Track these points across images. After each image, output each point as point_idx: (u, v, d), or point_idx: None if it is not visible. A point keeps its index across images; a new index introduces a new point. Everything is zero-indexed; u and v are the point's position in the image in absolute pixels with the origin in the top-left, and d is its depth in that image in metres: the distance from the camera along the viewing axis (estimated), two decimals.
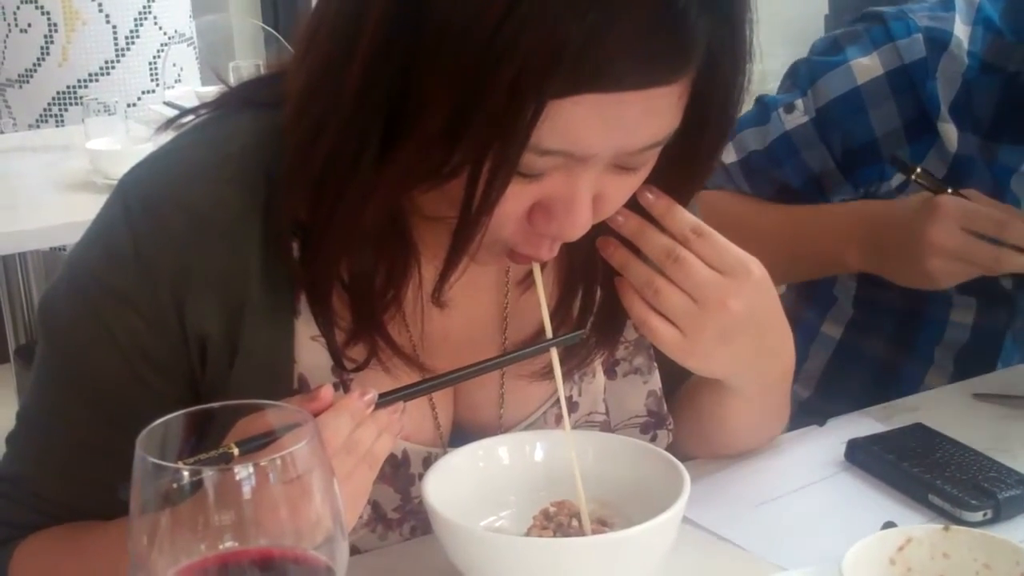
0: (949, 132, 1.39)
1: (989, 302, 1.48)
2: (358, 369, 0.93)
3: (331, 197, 0.84)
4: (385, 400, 0.83)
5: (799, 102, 1.44)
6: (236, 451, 0.65)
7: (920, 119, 1.39)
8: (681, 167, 0.90)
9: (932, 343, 1.52)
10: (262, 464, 0.59)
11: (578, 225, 0.84)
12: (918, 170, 1.32)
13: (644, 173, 0.87)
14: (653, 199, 0.93)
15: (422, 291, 0.95)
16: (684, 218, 0.94)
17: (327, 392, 0.81)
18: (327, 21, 0.83)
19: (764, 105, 1.47)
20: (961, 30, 1.39)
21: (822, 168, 1.45)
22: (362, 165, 0.81)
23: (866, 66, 1.40)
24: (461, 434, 1.02)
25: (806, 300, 1.60)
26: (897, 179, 1.42)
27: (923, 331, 1.52)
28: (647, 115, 0.80)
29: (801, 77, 1.45)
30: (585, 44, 0.74)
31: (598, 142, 0.79)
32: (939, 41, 1.38)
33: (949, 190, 1.31)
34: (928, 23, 1.40)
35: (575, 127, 0.77)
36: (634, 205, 0.93)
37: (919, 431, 1.16)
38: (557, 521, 0.94)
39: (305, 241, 0.89)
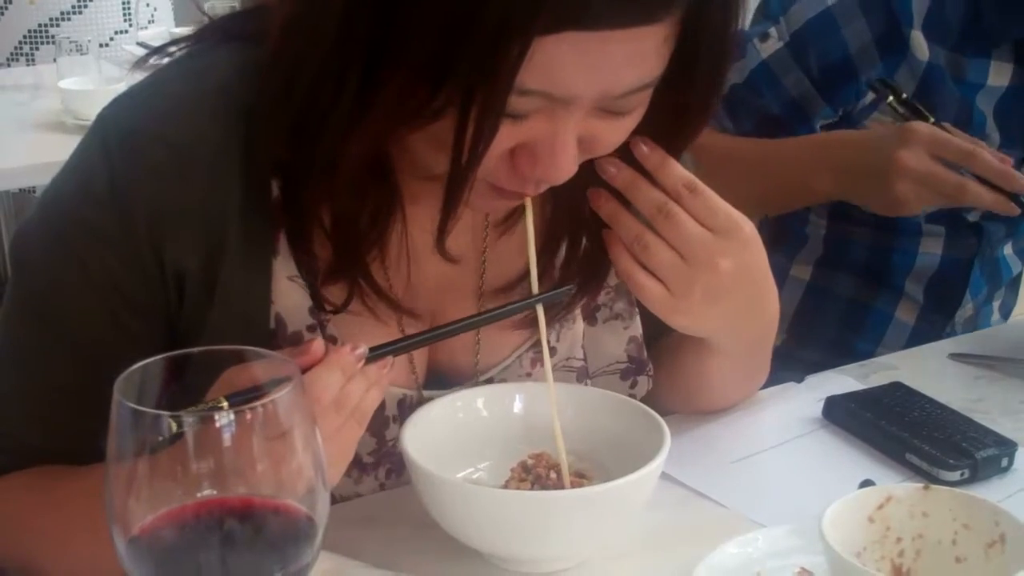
0: (920, 41, 1.41)
1: (957, 231, 1.52)
2: (336, 311, 0.92)
3: (311, 136, 0.82)
4: (375, 354, 0.82)
5: (773, 30, 1.46)
6: (226, 404, 0.64)
7: (891, 32, 1.41)
8: (671, 119, 0.89)
9: (903, 274, 1.55)
10: (243, 413, 0.58)
11: (562, 169, 0.83)
12: (903, 95, 1.35)
13: (636, 118, 0.86)
14: (647, 152, 0.92)
15: (406, 235, 0.93)
16: (677, 173, 0.93)
17: (318, 346, 0.80)
18: None
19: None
20: None
21: (801, 92, 1.47)
22: (342, 103, 0.80)
23: None
24: (436, 376, 1.02)
25: (776, 241, 1.62)
26: (871, 96, 1.44)
27: (893, 262, 1.55)
28: (631, 57, 0.78)
29: (772, 7, 1.47)
30: None
31: (580, 84, 0.78)
32: None
33: (932, 120, 1.33)
34: None
35: (557, 68, 0.76)
36: (627, 157, 0.92)
37: (897, 389, 1.17)
38: (535, 473, 0.94)
39: (286, 180, 0.87)
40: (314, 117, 0.81)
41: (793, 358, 1.23)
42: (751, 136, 1.51)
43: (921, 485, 0.86)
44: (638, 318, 1.07)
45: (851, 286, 1.57)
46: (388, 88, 0.78)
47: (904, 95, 1.35)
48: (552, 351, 1.04)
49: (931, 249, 1.53)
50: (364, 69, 0.78)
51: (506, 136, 0.80)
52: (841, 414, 1.13)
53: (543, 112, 0.80)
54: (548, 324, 1.01)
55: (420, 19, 0.75)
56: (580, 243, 1.00)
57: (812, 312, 1.60)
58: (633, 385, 1.07)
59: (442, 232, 0.87)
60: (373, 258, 0.92)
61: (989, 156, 1.28)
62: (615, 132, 0.86)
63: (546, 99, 0.78)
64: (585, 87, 0.78)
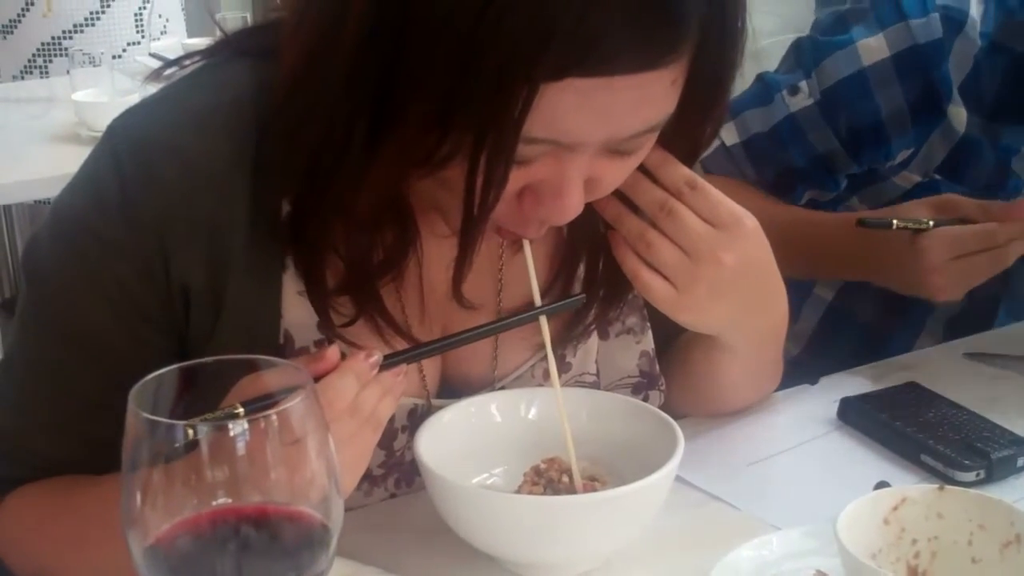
0: (959, 114, 1.36)
1: None
2: (344, 327, 0.92)
3: (323, 179, 0.83)
4: (389, 362, 0.83)
5: (803, 84, 1.40)
6: (242, 411, 0.64)
7: (927, 100, 1.37)
8: (669, 141, 0.89)
9: (925, 311, 1.51)
10: (257, 421, 0.58)
11: (567, 210, 0.83)
12: (894, 223, 1.27)
13: (641, 156, 0.86)
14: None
15: (421, 264, 0.94)
16: (678, 171, 0.93)
17: (333, 353, 0.81)
18: (314, 2, 0.82)
19: (766, 85, 1.44)
20: (975, 8, 1.36)
21: (828, 149, 1.42)
22: (351, 151, 0.80)
23: (873, 47, 1.36)
24: (448, 386, 1.02)
25: None
26: (901, 156, 1.40)
27: (916, 298, 1.48)
28: (638, 102, 0.78)
29: (805, 57, 1.42)
30: (574, 24, 0.72)
31: (587, 130, 0.78)
32: (956, 22, 1.35)
33: (931, 223, 1.27)
34: (944, 0, 1.35)
35: (563, 115, 0.76)
36: None
37: (912, 390, 1.16)
38: (547, 477, 0.94)
39: (298, 213, 0.88)
40: (323, 166, 0.82)
41: (811, 369, 1.21)
42: (771, 185, 1.46)
43: (936, 486, 0.86)
44: (650, 333, 1.07)
45: (872, 312, 1.54)
46: (396, 135, 0.79)
47: (894, 223, 1.27)
48: (567, 366, 1.04)
49: None
50: (372, 116, 0.79)
51: (513, 180, 0.80)
52: (856, 415, 1.13)
53: (550, 155, 0.80)
54: (567, 342, 1.02)
55: (424, 67, 0.76)
56: (599, 260, 1.00)
57: (832, 332, 1.57)
58: (645, 400, 1.07)
59: (458, 282, 0.89)
60: (386, 283, 0.92)
61: (1003, 227, 1.25)
62: (620, 171, 0.86)
63: (553, 145, 0.79)
64: (591, 133, 0.79)
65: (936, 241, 1.26)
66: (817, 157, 1.43)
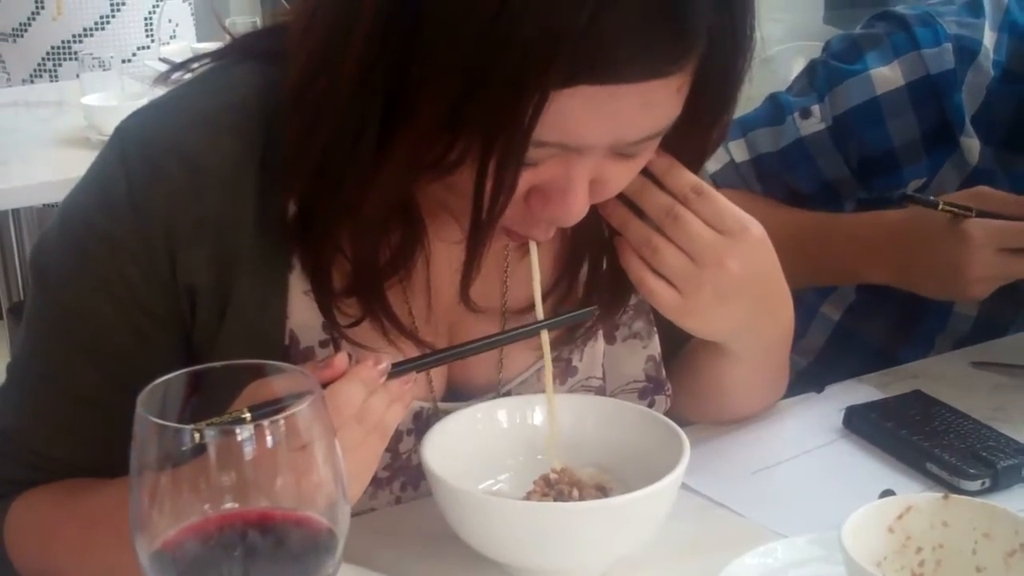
0: (972, 146, 1.35)
1: (997, 296, 1.41)
2: (349, 327, 0.93)
3: (331, 185, 0.84)
4: (397, 370, 0.83)
5: (816, 108, 1.40)
6: (249, 416, 0.65)
7: (940, 129, 1.36)
8: (675, 147, 0.90)
9: (933, 332, 1.50)
10: (264, 426, 0.59)
11: (574, 211, 0.84)
12: (941, 203, 1.24)
13: (646, 158, 0.87)
14: (654, 157, 0.92)
15: (428, 264, 0.94)
16: (684, 177, 0.93)
17: (341, 359, 0.81)
18: (324, 5, 0.83)
19: (779, 105, 1.43)
20: (988, 38, 1.35)
21: (836, 175, 1.41)
22: (361, 155, 0.81)
23: (886, 77, 1.35)
24: (454, 389, 1.02)
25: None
26: (913, 185, 1.39)
27: (926, 321, 1.49)
28: (645, 107, 0.79)
29: (819, 80, 1.41)
30: (584, 33, 0.73)
31: (594, 135, 0.79)
32: (969, 51, 1.34)
33: (973, 212, 1.24)
34: (958, 31, 1.35)
35: (570, 120, 0.77)
36: None
37: (918, 399, 1.16)
38: (558, 489, 0.94)
39: (305, 214, 0.88)
40: (334, 164, 0.83)
41: (819, 381, 1.21)
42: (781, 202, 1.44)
43: (941, 495, 0.86)
44: (656, 338, 1.07)
45: (880, 336, 1.52)
46: (406, 139, 0.79)
47: (941, 204, 1.24)
48: (574, 370, 1.04)
49: (966, 311, 1.46)
50: (382, 120, 0.79)
51: (521, 181, 0.81)
52: (861, 424, 1.13)
53: (557, 157, 0.81)
54: (571, 345, 1.03)
55: (435, 74, 0.76)
56: (602, 263, 1.01)
57: (839, 349, 1.56)
58: (651, 404, 1.07)
59: (466, 285, 0.89)
60: (393, 283, 0.93)
61: None
62: (626, 173, 0.87)
63: (561, 148, 0.79)
64: (599, 137, 0.79)
65: (981, 229, 1.24)
66: (824, 183, 1.42)
